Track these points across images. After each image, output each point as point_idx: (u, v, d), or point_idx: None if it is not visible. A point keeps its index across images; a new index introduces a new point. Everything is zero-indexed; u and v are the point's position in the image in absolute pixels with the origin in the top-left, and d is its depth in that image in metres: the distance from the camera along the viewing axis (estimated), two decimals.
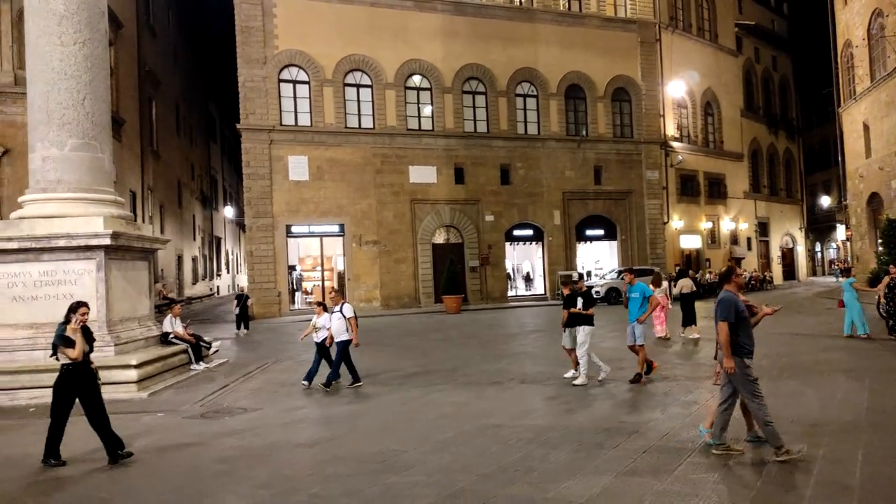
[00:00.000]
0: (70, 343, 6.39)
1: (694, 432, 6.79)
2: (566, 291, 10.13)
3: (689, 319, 14.86)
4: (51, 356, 6.65)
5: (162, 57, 31.32)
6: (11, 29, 19.96)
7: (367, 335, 18.39)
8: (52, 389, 6.57)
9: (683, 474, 5.52)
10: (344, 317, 10.30)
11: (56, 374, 9.95)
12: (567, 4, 30.65)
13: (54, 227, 10.76)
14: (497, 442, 6.79)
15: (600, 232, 31.25)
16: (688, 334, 14.75)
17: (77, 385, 6.49)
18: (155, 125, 29.13)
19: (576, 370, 9.91)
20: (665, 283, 15.94)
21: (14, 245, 10.61)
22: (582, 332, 9.62)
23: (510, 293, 29.66)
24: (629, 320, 9.98)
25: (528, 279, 31.55)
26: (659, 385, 9.50)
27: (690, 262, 34.06)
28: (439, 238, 28.11)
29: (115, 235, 10.84)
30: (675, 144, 33.49)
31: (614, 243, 31.55)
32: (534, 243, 30.36)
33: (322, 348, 10.45)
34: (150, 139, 28.13)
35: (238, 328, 19.80)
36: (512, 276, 30.78)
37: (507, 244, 29.40)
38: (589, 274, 30.99)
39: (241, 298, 20.50)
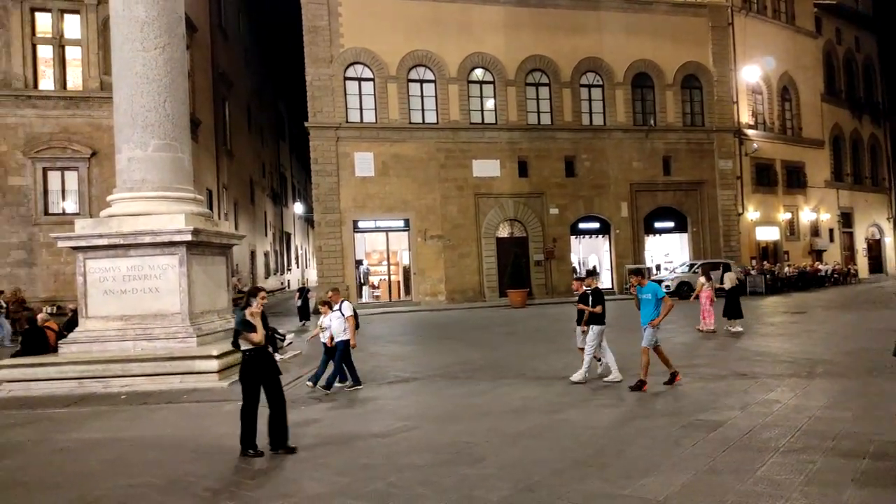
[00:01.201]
0: (252, 328, 6.34)
1: (777, 431, 6.52)
2: (579, 289, 9.97)
3: (732, 313, 14.95)
4: (231, 344, 6.60)
5: (234, 59, 32.49)
6: (97, 37, 21.15)
7: (433, 329, 18.62)
8: (239, 379, 6.59)
9: (767, 475, 5.31)
10: (343, 315, 9.83)
11: (143, 363, 10.58)
12: None
13: (140, 224, 11.35)
14: (568, 437, 6.72)
15: (670, 224, 30.35)
16: (730, 327, 14.84)
17: (261, 370, 6.45)
18: (228, 125, 30.27)
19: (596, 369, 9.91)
20: (713, 277, 15.90)
21: (104, 241, 11.27)
22: (591, 330, 9.53)
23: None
24: (642, 323, 9.33)
25: (594, 273, 30.98)
26: (737, 383, 9.16)
27: (767, 255, 32.64)
28: (503, 232, 28.00)
29: (195, 232, 11.34)
30: (750, 132, 32.09)
31: (685, 236, 30.57)
32: (600, 236, 29.80)
33: (329, 349, 9.99)
34: (224, 139, 29.26)
35: (301, 320, 20.72)
36: (578, 270, 30.30)
37: (573, 237, 28.98)
38: (658, 267, 30.19)
39: (303, 292, 21.56)
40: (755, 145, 31.86)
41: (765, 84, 33.54)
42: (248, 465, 6.19)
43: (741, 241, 30.71)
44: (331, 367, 9.93)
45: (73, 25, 21.53)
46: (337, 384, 9.83)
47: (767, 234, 33.19)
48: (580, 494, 5.03)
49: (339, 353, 9.74)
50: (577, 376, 9.61)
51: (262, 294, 6.63)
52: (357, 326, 10.12)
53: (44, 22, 21.36)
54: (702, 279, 15.14)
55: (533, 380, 10.06)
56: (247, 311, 6.41)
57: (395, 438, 6.95)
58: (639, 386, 8.87)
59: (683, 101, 30.21)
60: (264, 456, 6.35)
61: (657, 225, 30.13)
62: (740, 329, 14.76)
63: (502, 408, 8.26)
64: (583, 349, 9.83)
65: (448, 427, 7.38)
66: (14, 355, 11.27)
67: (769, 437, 6.38)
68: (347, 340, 9.79)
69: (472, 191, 27.28)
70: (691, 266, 27.31)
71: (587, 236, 29.83)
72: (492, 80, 27.90)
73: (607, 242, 29.65)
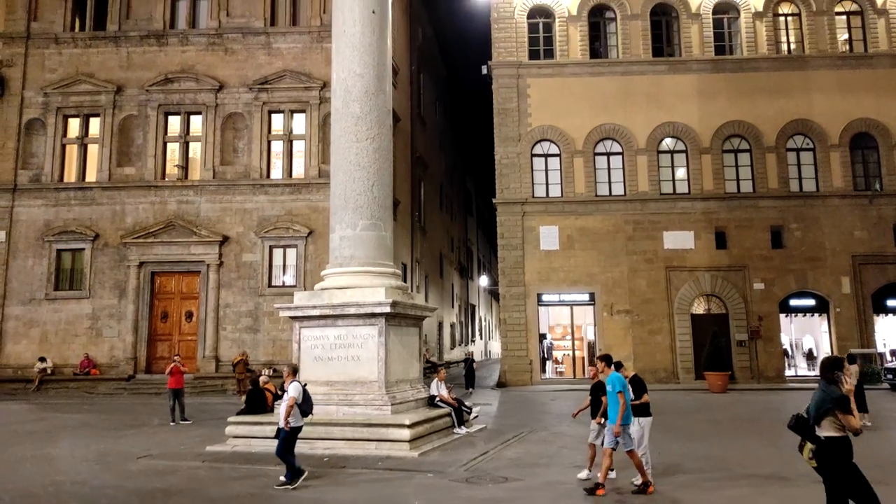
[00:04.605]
0: (847, 407, 4.99)
1: None
2: (595, 376, 8.95)
3: (862, 406, 13.53)
4: (794, 427, 5.27)
5: (429, 142, 35.19)
6: (318, 131, 24.28)
7: None
8: (830, 473, 5.18)
9: None
10: (287, 396, 8.76)
11: (343, 428, 11.26)
12: (849, 46, 27.25)
13: (347, 296, 12.42)
14: None
15: None
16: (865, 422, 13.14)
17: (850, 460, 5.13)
18: (423, 204, 32.49)
19: (591, 471, 8.70)
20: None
21: (317, 312, 12.48)
22: (637, 424, 8.47)
23: (787, 372, 25.95)
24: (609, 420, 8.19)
25: (810, 357, 27.36)
26: None
27: None
28: (699, 308, 26.05)
29: (394, 304, 12.12)
30: None
31: None
32: (816, 315, 26.41)
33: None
34: (418, 216, 31.41)
35: (466, 387, 22.99)
36: (790, 353, 27.01)
37: (782, 315, 26.01)
38: (894, 353, 25.81)
39: (468, 361, 24.50)
40: None
41: None
42: None
43: None
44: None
45: (299, 123, 25.01)
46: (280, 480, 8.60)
47: None
48: None
49: (280, 440, 8.67)
50: (583, 473, 8.78)
51: (851, 369, 5.62)
52: (306, 414, 8.89)
53: (277, 122, 25.07)
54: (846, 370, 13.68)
55: (743, 479, 8.96)
56: (842, 388, 5.10)
57: None
58: (593, 489, 7.96)
59: None
60: None
61: (890, 303, 25.98)
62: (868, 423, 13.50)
63: None
64: (594, 445, 8.73)
65: None
66: (239, 413, 12.68)
67: None
68: (297, 427, 8.79)
69: (662, 264, 25.98)
70: None
71: (800, 315, 26.61)
72: (684, 149, 26.84)
73: (825, 322, 26.15)
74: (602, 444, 8.38)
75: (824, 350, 26.39)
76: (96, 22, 25.79)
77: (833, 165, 26.28)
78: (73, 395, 22.12)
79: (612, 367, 8.57)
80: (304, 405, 8.81)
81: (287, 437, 8.67)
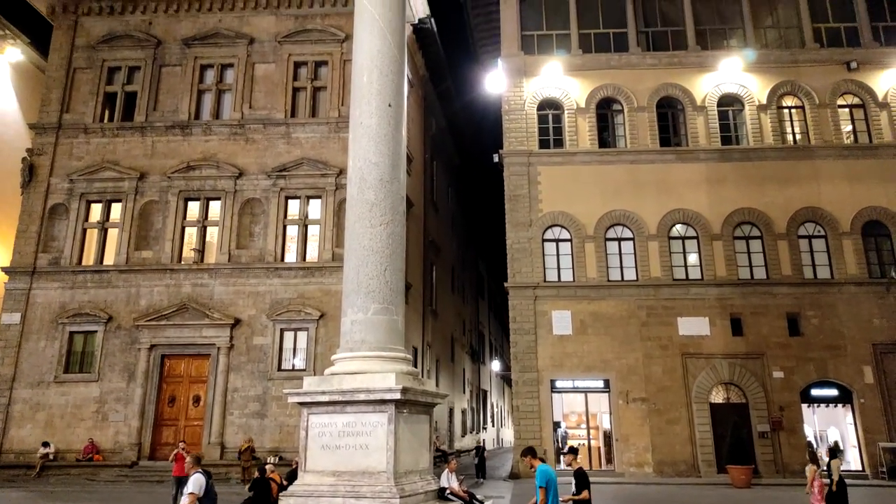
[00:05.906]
0: None
1: None
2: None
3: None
4: None
5: (442, 227, 35.71)
6: (332, 216, 24.78)
7: None
8: None
9: None
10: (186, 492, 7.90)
11: None
12: (853, 137, 27.86)
13: (357, 382, 12.16)
14: None
15: None
16: None
17: None
18: (434, 287, 32.56)
19: None
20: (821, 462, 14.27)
21: (326, 398, 12.17)
22: None
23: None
24: None
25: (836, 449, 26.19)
26: None
27: None
28: (717, 397, 25.32)
29: (404, 390, 11.82)
30: None
31: None
32: (840, 405, 25.54)
33: None
34: (430, 300, 31.40)
35: (477, 476, 22.68)
36: (815, 445, 25.89)
37: (804, 406, 25.17)
38: None
39: (479, 450, 24.05)
40: None
41: None
42: None
43: None
44: None
45: (314, 208, 25.56)
46: None
47: None
48: None
49: None
50: None
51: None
52: None
53: (293, 207, 25.66)
54: (812, 465, 13.52)
55: None
56: None
57: None
58: None
59: None
60: None
61: None
62: None
63: None
64: None
65: None
66: (245, 503, 12.23)
67: None
68: None
69: (678, 350, 25.52)
70: None
71: (823, 405, 25.75)
72: (695, 235, 26.99)
73: (850, 413, 25.25)
74: None
75: (851, 443, 25.36)
76: (125, 113, 27.03)
77: (846, 253, 26.24)
78: (75, 483, 21.52)
79: (539, 458, 8.76)
80: (206, 499, 8.13)
81: None
